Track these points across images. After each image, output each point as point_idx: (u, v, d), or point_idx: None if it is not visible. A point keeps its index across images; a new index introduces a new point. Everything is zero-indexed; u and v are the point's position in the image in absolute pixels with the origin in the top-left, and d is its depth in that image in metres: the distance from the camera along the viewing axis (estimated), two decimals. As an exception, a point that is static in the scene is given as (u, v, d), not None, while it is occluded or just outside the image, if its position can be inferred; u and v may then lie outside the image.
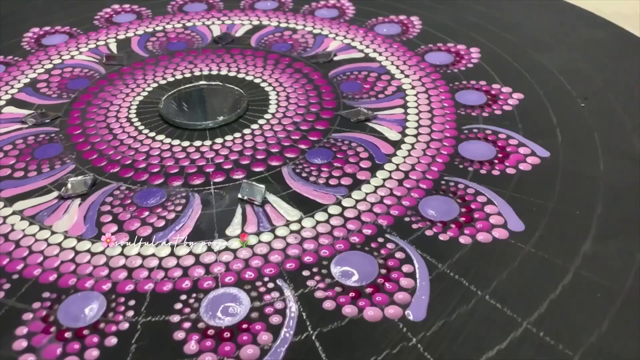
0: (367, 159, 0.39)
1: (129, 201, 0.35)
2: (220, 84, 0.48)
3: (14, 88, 0.48)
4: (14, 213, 0.35)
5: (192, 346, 0.27)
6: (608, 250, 0.31)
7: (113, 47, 0.54)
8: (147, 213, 0.34)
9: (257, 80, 0.48)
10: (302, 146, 0.40)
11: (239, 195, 0.36)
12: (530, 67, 0.48)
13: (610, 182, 0.36)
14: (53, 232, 0.33)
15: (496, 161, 0.38)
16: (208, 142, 0.41)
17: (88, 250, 0.32)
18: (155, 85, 0.48)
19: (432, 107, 0.44)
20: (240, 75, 0.49)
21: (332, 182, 0.37)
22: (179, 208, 0.35)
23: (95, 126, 0.43)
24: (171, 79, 0.49)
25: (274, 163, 0.39)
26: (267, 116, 0.44)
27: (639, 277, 0.30)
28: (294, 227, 0.33)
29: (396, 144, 0.40)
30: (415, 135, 0.41)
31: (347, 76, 0.48)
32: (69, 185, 0.36)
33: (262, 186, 0.36)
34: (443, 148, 0.39)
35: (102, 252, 0.32)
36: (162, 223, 0.34)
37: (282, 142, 0.41)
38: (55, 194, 0.36)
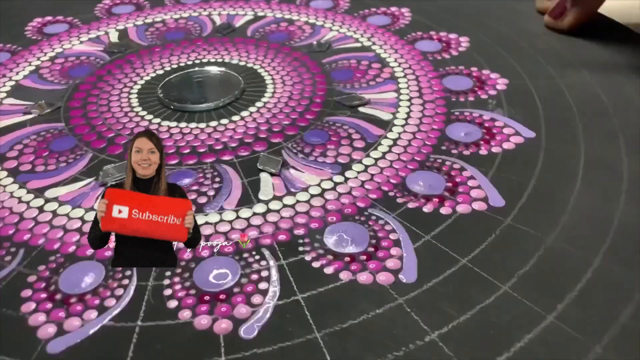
0: (359, 139, 0.40)
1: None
2: (220, 69, 0.49)
3: (18, 75, 0.50)
4: (47, 201, 0.36)
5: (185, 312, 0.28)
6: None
7: (113, 36, 0.56)
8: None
9: (255, 67, 0.50)
10: (301, 124, 0.42)
11: (258, 166, 0.38)
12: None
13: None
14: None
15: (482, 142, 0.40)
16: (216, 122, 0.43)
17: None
18: (154, 74, 0.50)
19: (422, 92, 0.46)
20: (241, 63, 0.51)
21: (329, 160, 0.38)
22: (216, 185, 0.37)
23: (100, 116, 0.44)
24: (175, 66, 0.51)
25: (276, 140, 0.40)
26: (263, 100, 0.45)
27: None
28: (287, 201, 0.35)
29: (387, 124, 0.42)
30: (406, 119, 0.42)
31: (342, 64, 0.50)
32: (107, 172, 0.37)
33: (280, 158, 0.38)
34: (431, 131, 0.41)
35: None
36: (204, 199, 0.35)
37: (282, 124, 0.42)
38: (85, 181, 0.37)
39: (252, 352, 0.26)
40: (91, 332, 0.27)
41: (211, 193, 0.36)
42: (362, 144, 0.40)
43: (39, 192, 0.36)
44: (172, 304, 0.28)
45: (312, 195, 0.35)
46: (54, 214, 0.35)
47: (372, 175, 0.37)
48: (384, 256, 0.31)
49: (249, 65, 0.50)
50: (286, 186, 0.36)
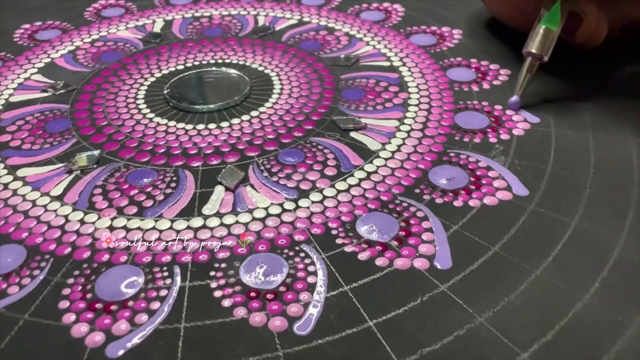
0: (333, 167, 0.38)
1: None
2: (236, 72, 0.49)
3: (57, 53, 0.53)
4: (15, 179, 0.37)
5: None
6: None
7: (157, 26, 0.57)
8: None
9: (272, 74, 0.49)
10: (285, 140, 0.40)
11: (217, 177, 0.37)
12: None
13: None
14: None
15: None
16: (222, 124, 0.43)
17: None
18: (173, 69, 0.50)
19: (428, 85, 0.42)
20: (254, 65, 0.50)
21: (291, 183, 0.36)
22: (169, 190, 0.36)
23: (103, 104, 0.46)
24: (188, 65, 0.51)
25: (250, 154, 0.39)
26: (260, 110, 0.44)
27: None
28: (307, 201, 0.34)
29: (371, 154, 0.39)
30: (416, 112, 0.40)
31: (359, 83, 0.47)
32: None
33: (242, 173, 0.37)
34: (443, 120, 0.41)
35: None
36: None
37: (265, 135, 0.41)
38: (56, 165, 0.38)
39: None
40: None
41: (160, 198, 0.36)
42: (334, 172, 0.37)
43: (12, 169, 0.38)
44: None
45: (253, 219, 0.34)
46: (14, 192, 0.36)
47: (325, 208, 0.34)
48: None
49: (267, 71, 0.49)
50: (234, 204, 0.35)
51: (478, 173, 0.37)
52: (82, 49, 0.54)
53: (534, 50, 0.40)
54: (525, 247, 0.31)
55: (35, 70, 0.50)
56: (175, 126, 0.42)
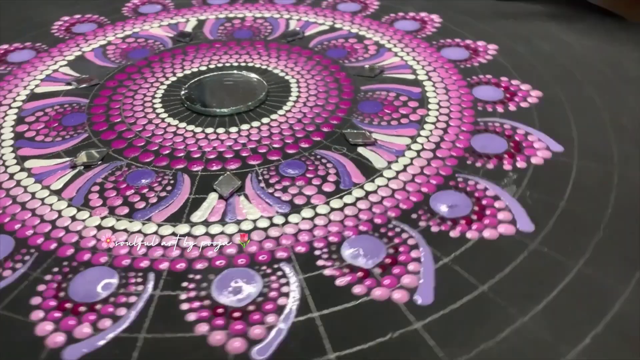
0: (332, 182, 0.36)
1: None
2: (257, 77, 0.48)
3: (89, 47, 0.54)
4: (21, 170, 0.38)
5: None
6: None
7: (190, 25, 0.58)
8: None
9: (291, 81, 0.48)
10: (290, 150, 0.39)
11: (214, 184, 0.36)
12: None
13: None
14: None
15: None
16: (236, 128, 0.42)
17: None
18: (196, 69, 0.50)
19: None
20: (276, 71, 0.49)
21: (286, 196, 0.35)
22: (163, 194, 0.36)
23: (121, 101, 0.46)
24: (211, 66, 0.51)
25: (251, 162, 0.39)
26: (272, 117, 0.43)
27: None
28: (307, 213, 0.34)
29: (374, 173, 0.37)
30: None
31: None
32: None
33: (239, 182, 0.36)
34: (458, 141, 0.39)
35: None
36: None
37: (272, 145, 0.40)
38: (62, 159, 0.39)
39: None
40: None
41: (153, 200, 0.35)
42: (332, 188, 0.36)
43: (21, 160, 0.39)
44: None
45: (240, 230, 0.33)
46: (17, 183, 0.37)
47: (314, 226, 0.33)
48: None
49: (288, 77, 0.48)
50: (224, 213, 0.34)
51: (484, 202, 0.34)
52: (113, 44, 0.54)
53: None
54: (517, 289, 0.28)
55: (65, 62, 0.51)
56: (185, 128, 0.42)
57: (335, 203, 0.35)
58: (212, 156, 0.39)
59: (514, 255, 0.31)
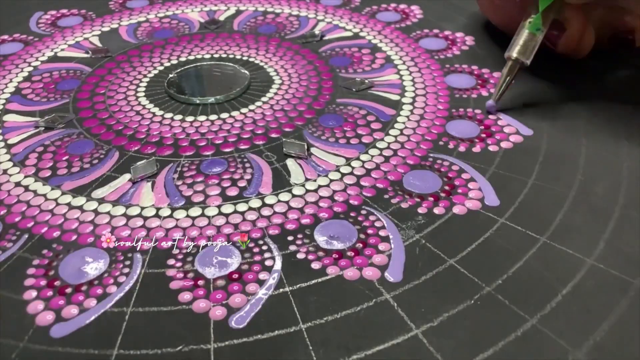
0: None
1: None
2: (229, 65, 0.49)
3: (122, 23, 0.58)
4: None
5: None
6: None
7: (226, 14, 0.60)
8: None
9: (257, 62, 0.49)
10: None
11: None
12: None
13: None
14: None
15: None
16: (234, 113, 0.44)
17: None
18: (183, 59, 0.52)
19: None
20: (244, 58, 0.51)
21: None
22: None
23: (107, 87, 0.49)
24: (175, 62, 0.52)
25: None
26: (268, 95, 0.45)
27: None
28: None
29: (397, 104, 0.43)
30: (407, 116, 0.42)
31: (336, 52, 0.50)
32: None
33: (155, 169, 0.38)
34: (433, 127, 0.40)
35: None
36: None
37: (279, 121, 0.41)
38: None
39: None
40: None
41: (75, 170, 0.38)
42: (236, 192, 0.36)
43: (4, 112, 0.44)
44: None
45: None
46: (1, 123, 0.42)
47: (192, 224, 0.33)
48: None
49: (275, 77, 0.48)
50: (122, 196, 0.36)
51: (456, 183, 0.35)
52: (148, 22, 0.58)
53: (515, 55, 0.40)
54: (484, 262, 0.30)
55: (99, 32, 0.56)
56: (153, 112, 0.44)
57: (227, 208, 0.34)
58: (154, 140, 0.41)
59: (483, 230, 0.32)
